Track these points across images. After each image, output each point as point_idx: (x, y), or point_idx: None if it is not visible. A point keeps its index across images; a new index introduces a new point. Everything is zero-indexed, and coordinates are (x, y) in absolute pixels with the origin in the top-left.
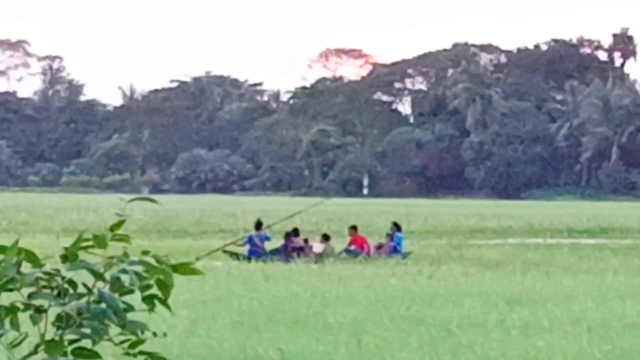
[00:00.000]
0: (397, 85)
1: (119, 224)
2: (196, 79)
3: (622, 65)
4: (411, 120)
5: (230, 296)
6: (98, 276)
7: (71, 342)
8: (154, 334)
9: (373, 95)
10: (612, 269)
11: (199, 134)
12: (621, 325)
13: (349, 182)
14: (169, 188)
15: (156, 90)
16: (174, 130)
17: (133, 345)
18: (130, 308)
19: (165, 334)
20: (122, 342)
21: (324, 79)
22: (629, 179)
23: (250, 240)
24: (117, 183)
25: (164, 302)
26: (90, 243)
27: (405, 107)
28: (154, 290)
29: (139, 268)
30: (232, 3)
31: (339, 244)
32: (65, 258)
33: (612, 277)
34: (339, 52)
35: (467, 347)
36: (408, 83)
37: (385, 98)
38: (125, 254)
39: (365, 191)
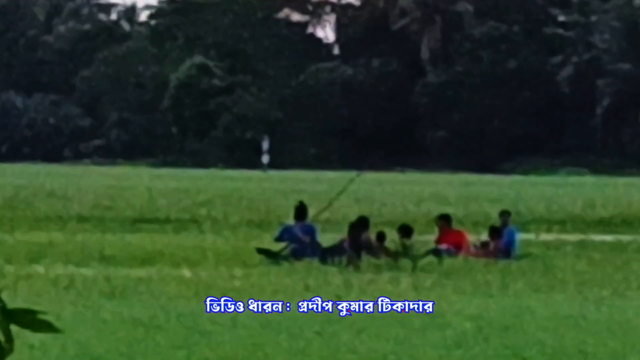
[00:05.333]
0: None
1: None
2: None
3: None
4: (336, 51)
5: None
6: None
7: None
8: None
9: (277, 12)
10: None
11: (10, 70)
12: None
13: (240, 145)
14: None
15: None
16: None
17: None
18: None
19: None
20: None
21: None
22: None
23: (287, 232)
24: None
25: None
26: None
27: (326, 31)
28: None
29: None
30: None
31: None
32: None
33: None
34: None
35: None
36: None
37: (296, 18)
38: None
39: (265, 159)
